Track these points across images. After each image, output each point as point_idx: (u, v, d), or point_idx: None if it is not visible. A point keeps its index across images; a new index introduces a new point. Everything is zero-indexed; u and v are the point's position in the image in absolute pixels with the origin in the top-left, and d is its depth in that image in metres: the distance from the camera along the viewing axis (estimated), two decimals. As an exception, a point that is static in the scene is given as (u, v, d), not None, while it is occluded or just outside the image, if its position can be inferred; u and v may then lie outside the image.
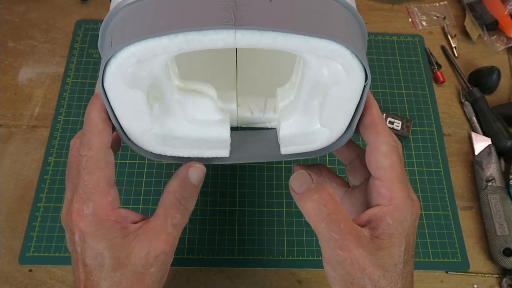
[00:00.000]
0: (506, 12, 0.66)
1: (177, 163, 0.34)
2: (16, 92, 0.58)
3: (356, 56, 0.27)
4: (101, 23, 0.28)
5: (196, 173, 0.32)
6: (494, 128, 0.57)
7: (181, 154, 0.34)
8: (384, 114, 0.57)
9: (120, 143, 0.35)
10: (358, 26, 0.29)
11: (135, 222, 0.31)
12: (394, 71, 0.63)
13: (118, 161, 0.52)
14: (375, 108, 0.32)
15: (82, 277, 0.30)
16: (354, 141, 0.37)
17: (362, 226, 0.30)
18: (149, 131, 0.32)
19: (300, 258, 0.50)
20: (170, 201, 0.31)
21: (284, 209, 0.52)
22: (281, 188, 0.53)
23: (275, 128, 0.37)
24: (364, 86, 0.29)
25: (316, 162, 0.39)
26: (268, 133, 0.37)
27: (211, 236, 0.50)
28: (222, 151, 0.34)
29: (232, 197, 0.52)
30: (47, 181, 0.52)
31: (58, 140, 0.54)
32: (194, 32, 0.24)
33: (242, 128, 0.36)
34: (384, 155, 0.31)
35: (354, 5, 0.29)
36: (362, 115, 0.31)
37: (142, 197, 0.51)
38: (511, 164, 0.55)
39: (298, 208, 0.32)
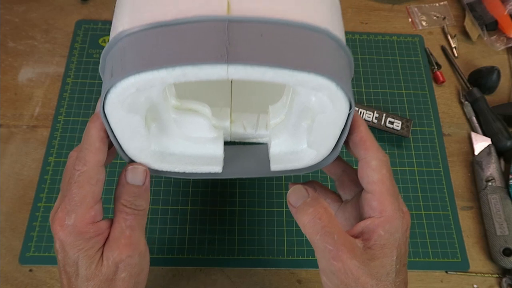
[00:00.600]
0: (506, 12, 0.66)
1: (175, 178, 0.35)
2: (16, 92, 0.58)
3: (341, 88, 0.29)
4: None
5: (134, 175, 0.33)
6: (494, 128, 0.57)
7: (176, 170, 0.36)
8: (384, 114, 0.57)
9: (115, 154, 0.36)
10: (344, 56, 0.31)
11: None
12: (394, 71, 0.63)
13: (118, 161, 0.52)
14: (362, 126, 0.33)
15: (65, 283, 0.32)
16: (341, 156, 0.37)
17: (355, 238, 0.32)
18: (146, 149, 0.34)
19: (300, 258, 0.50)
20: (117, 207, 0.33)
21: (284, 209, 0.52)
22: (281, 188, 0.53)
23: (266, 144, 0.39)
24: (349, 113, 0.31)
25: (308, 179, 0.39)
26: (259, 148, 0.39)
27: (211, 236, 0.50)
28: (215, 167, 0.36)
29: (232, 197, 0.52)
30: (47, 181, 0.52)
31: (58, 140, 0.54)
32: (190, 66, 0.26)
33: (234, 142, 0.37)
34: (374, 169, 0.32)
35: (342, 35, 0.31)
36: (351, 134, 0.33)
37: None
38: (511, 164, 0.55)
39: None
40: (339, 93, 0.29)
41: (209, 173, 0.36)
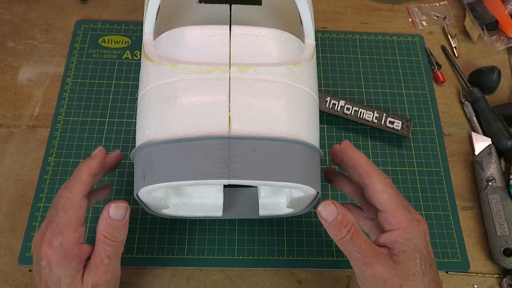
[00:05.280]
0: (506, 12, 0.66)
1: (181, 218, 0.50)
2: (16, 92, 0.58)
3: (311, 186, 0.38)
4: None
5: (117, 211, 0.37)
6: (494, 128, 0.57)
7: (187, 215, 0.46)
8: (384, 114, 0.57)
9: (106, 194, 0.46)
10: (316, 155, 0.39)
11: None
12: (394, 71, 0.63)
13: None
14: (363, 159, 0.39)
15: None
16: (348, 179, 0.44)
17: (380, 247, 0.37)
18: (166, 208, 0.45)
19: (300, 258, 0.50)
20: (99, 238, 0.37)
21: (284, 209, 0.52)
22: (281, 188, 0.53)
23: (256, 187, 0.48)
24: (316, 197, 0.41)
25: (345, 202, 0.45)
26: (251, 192, 0.48)
27: (211, 236, 0.50)
28: (217, 213, 0.47)
29: (232, 197, 0.52)
30: (47, 181, 0.52)
31: (58, 140, 0.54)
32: (202, 180, 0.35)
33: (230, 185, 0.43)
34: (380, 192, 0.37)
35: (314, 138, 0.40)
36: (354, 168, 0.39)
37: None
38: (511, 164, 0.55)
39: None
40: (309, 188, 0.38)
41: (213, 217, 0.47)
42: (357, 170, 0.39)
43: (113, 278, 0.38)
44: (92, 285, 0.36)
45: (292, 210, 0.45)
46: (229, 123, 0.36)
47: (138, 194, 0.39)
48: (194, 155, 0.36)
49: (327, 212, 0.36)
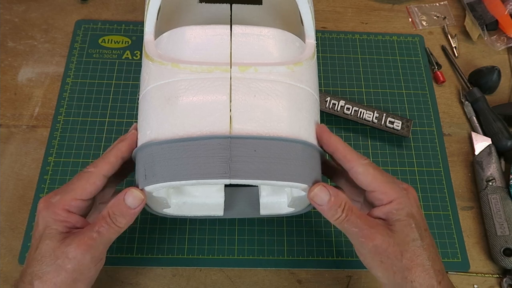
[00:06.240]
0: (506, 12, 0.66)
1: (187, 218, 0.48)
2: (16, 92, 0.58)
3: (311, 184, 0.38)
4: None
5: (131, 198, 0.37)
6: (494, 128, 0.57)
7: (189, 215, 0.46)
8: (384, 114, 0.57)
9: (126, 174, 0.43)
10: (316, 154, 0.39)
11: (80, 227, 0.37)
12: (394, 71, 0.63)
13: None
14: (339, 144, 0.39)
15: (33, 249, 0.36)
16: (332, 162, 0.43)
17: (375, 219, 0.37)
18: (167, 207, 0.45)
19: (300, 258, 0.50)
20: (102, 213, 0.37)
21: (284, 209, 0.52)
22: (281, 188, 0.53)
23: (257, 186, 0.47)
24: None
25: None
26: (252, 191, 0.48)
27: (211, 236, 0.50)
28: (218, 212, 0.46)
29: (232, 197, 0.52)
30: (47, 181, 0.52)
31: (58, 140, 0.54)
32: (203, 180, 0.35)
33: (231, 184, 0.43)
34: (363, 174, 0.38)
35: (313, 137, 0.39)
36: (332, 154, 0.40)
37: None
38: (511, 164, 0.55)
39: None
40: (308, 186, 0.38)
41: (214, 216, 0.47)
42: (335, 155, 0.39)
43: (90, 255, 0.36)
44: (68, 251, 0.35)
45: (293, 209, 0.46)
46: (230, 123, 0.36)
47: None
48: (196, 154, 0.36)
49: (320, 196, 0.37)
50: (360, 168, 0.38)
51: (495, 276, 0.50)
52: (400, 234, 0.36)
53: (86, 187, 0.37)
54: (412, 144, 0.57)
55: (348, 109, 0.57)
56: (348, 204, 0.37)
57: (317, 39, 0.63)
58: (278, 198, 0.47)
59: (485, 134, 0.58)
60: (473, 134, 0.58)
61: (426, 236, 0.37)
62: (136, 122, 0.41)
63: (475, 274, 0.51)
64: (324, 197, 0.37)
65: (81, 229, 0.37)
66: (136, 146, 0.40)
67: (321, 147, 0.40)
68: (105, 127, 0.56)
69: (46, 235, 0.36)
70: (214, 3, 0.50)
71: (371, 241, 0.35)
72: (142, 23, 0.63)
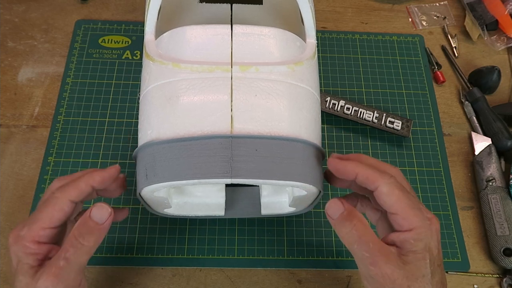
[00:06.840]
0: (506, 12, 0.66)
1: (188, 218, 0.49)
2: (16, 92, 0.58)
3: (312, 184, 0.38)
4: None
5: (99, 213, 0.35)
6: (494, 128, 0.57)
7: (190, 215, 0.47)
8: (384, 114, 0.57)
9: (124, 185, 0.42)
10: (318, 154, 0.39)
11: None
12: (394, 71, 0.63)
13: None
14: (357, 168, 0.36)
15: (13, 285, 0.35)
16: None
17: (389, 245, 0.35)
18: (168, 207, 0.45)
19: (300, 258, 0.50)
20: (69, 236, 0.35)
21: (284, 209, 0.52)
22: (281, 188, 0.53)
23: (257, 186, 0.47)
24: (318, 195, 0.41)
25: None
26: (252, 191, 0.48)
27: (211, 236, 0.50)
28: (219, 212, 0.47)
29: (232, 197, 0.52)
30: (47, 181, 0.52)
31: (58, 140, 0.54)
32: (204, 179, 0.35)
33: (232, 184, 0.43)
34: (387, 194, 0.35)
35: (316, 136, 0.40)
36: (356, 180, 0.37)
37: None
38: (511, 164, 0.55)
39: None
40: (311, 187, 0.38)
41: (215, 216, 0.47)
42: (358, 180, 0.37)
43: (62, 285, 0.34)
44: (39, 286, 0.33)
45: (294, 209, 0.46)
46: (232, 122, 0.36)
47: (141, 194, 0.39)
48: (197, 154, 0.36)
49: (333, 209, 0.36)
50: (385, 188, 0.35)
51: (495, 276, 0.50)
52: (411, 267, 0.34)
53: (53, 214, 0.35)
54: (412, 144, 0.57)
55: (348, 109, 0.57)
56: (362, 224, 0.35)
57: (317, 39, 0.63)
58: (279, 198, 0.47)
59: (485, 134, 0.58)
60: (473, 134, 0.58)
61: (438, 273, 0.35)
62: (118, 164, 0.40)
63: (475, 274, 0.51)
64: (337, 211, 0.35)
65: (49, 261, 0.35)
66: (113, 183, 0.39)
67: (340, 182, 0.39)
68: (105, 127, 0.56)
69: (18, 271, 0.34)
70: (214, 3, 0.50)
71: (380, 269, 0.33)
72: (142, 23, 0.63)
